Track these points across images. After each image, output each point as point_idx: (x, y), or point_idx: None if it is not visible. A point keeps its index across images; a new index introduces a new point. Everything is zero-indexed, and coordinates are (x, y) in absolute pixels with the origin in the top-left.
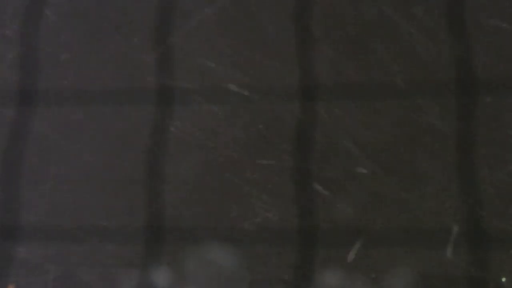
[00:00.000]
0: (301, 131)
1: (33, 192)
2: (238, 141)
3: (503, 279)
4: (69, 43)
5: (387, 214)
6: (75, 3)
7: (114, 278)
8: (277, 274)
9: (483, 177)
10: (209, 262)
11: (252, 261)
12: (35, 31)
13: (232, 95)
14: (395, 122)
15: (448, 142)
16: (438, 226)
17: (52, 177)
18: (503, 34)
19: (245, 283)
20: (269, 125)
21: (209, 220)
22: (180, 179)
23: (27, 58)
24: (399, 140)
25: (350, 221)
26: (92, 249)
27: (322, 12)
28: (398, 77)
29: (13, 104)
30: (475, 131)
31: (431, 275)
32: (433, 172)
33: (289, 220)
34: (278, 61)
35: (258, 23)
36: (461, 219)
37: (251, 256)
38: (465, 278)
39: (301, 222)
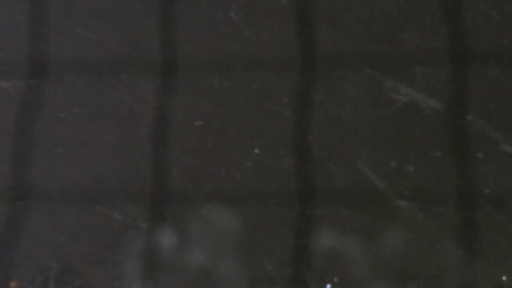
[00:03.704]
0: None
1: (44, 159)
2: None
3: (504, 278)
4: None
5: None
6: None
7: (121, 238)
8: (276, 235)
9: None
10: (211, 225)
11: (251, 222)
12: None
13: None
14: None
15: None
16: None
17: (62, 145)
18: None
19: (245, 245)
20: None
21: (211, 184)
22: (183, 146)
23: (38, 30)
24: None
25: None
26: (99, 212)
27: None
28: None
29: (25, 74)
30: None
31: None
32: None
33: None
34: None
35: None
36: None
37: (251, 218)
38: None
39: (299, 182)
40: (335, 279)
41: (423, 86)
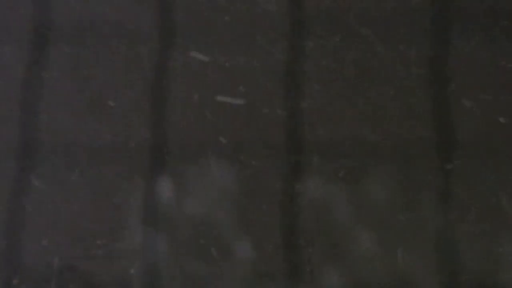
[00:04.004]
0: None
1: (52, 114)
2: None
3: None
4: None
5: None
6: None
7: (121, 188)
8: (270, 184)
9: None
10: (208, 175)
11: (246, 174)
12: None
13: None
14: None
15: None
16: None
17: (63, 103)
18: None
19: (240, 195)
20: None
21: (208, 137)
22: (182, 100)
23: None
24: None
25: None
26: (101, 159)
27: None
28: None
29: (27, 42)
30: None
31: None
32: None
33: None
34: None
35: None
36: None
37: (246, 170)
38: None
39: (290, 133)
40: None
41: None
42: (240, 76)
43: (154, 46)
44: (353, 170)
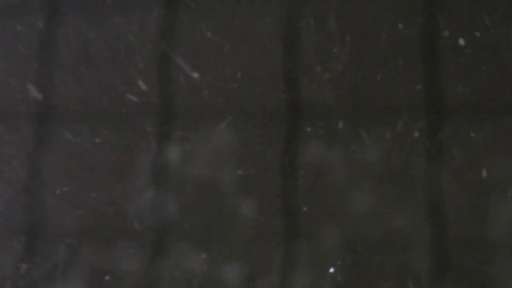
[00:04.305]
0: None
1: (66, 74)
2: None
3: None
4: None
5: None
6: None
7: (132, 155)
8: (271, 148)
9: None
10: (214, 142)
11: (249, 138)
12: None
13: None
14: None
15: None
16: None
17: (74, 64)
18: None
19: (243, 158)
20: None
21: (215, 105)
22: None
23: None
24: None
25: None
26: (112, 128)
27: None
28: None
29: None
30: None
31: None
32: None
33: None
34: None
35: None
36: None
37: (249, 134)
38: None
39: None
40: (338, 262)
41: None
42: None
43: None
44: (348, 133)
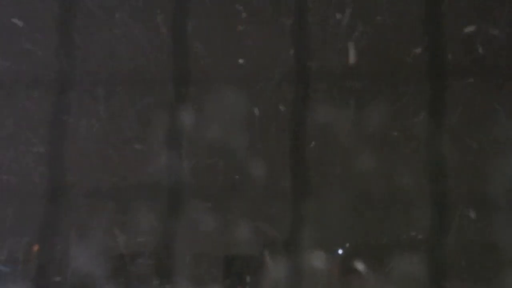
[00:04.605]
0: None
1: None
2: None
3: None
4: None
5: None
6: None
7: (150, 119)
8: (280, 110)
9: None
10: (226, 105)
11: (259, 101)
12: None
13: None
14: None
15: None
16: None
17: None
18: None
19: (252, 120)
20: None
21: (227, 68)
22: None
23: None
24: None
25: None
26: (130, 91)
27: None
28: None
29: None
30: None
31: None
32: None
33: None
34: None
35: None
36: None
37: (259, 98)
38: None
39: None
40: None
41: None
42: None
43: None
44: (355, 96)
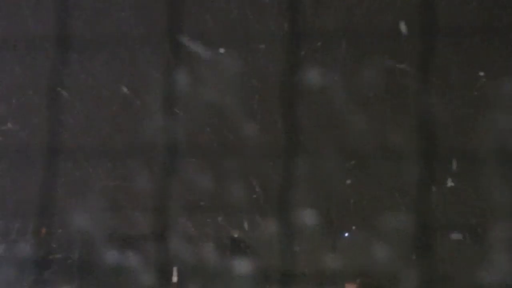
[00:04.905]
0: None
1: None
2: None
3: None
4: None
5: None
6: None
7: (146, 81)
8: (273, 72)
9: None
10: (218, 67)
11: (252, 65)
12: None
13: None
14: None
15: None
16: None
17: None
18: None
19: (245, 83)
20: None
21: (217, 32)
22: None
23: None
24: None
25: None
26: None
27: None
28: None
29: None
30: None
31: None
32: None
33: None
34: None
35: None
36: None
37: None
38: None
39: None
40: (353, 227)
41: None
42: None
43: None
44: (345, 60)
